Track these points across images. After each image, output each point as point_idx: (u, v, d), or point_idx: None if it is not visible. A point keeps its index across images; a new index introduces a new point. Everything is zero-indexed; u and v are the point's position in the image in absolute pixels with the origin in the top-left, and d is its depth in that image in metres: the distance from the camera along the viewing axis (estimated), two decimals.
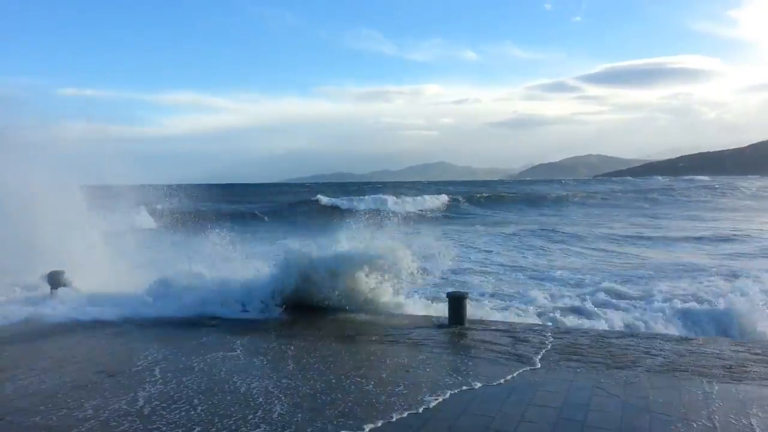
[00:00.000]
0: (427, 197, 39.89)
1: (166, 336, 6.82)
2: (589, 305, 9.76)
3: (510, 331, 7.00)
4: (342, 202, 36.64)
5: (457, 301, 7.19)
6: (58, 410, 4.46)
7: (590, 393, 4.80)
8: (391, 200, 38.16)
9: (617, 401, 4.61)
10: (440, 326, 7.22)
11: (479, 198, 43.72)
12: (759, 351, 6.20)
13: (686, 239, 20.73)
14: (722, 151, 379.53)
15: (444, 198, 40.45)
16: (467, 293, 7.51)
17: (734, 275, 12.57)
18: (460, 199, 41.33)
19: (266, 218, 31.19)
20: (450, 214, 33.99)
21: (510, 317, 8.78)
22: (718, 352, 6.11)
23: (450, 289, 8.58)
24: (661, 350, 6.19)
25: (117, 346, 6.50)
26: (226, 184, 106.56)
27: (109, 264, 10.70)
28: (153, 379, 5.18)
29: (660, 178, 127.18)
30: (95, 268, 10.13)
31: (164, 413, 4.35)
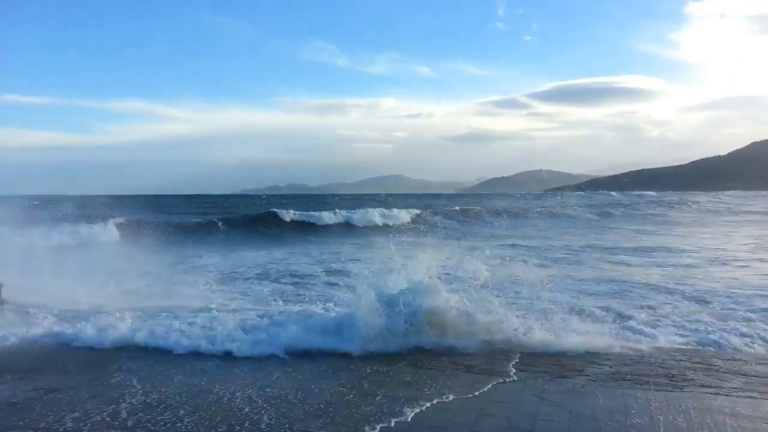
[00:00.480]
0: (397, 210, 38.01)
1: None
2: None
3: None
4: (327, 215, 33.68)
5: None
6: None
7: (538, 403, 4.87)
8: (377, 213, 35.69)
9: (563, 410, 4.70)
10: None
11: (448, 210, 42.37)
12: (699, 360, 6.43)
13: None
14: (665, 167, 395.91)
15: (415, 211, 38.88)
16: None
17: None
18: (433, 212, 39.88)
19: (228, 231, 28.40)
20: (423, 227, 33.19)
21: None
22: (660, 361, 6.31)
23: None
24: (607, 359, 6.36)
25: None
26: (182, 195, 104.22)
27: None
28: None
29: (614, 193, 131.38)
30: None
31: None
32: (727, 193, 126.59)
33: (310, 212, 33.65)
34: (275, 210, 33.14)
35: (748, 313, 9.41)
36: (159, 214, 40.98)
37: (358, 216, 33.84)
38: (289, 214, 31.89)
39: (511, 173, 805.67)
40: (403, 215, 36.48)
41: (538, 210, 45.50)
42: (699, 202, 63.54)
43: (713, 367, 6.12)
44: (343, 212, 34.16)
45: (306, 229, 30.77)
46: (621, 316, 9.06)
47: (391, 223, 33.79)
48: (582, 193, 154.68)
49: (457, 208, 45.12)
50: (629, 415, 4.58)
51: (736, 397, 5.09)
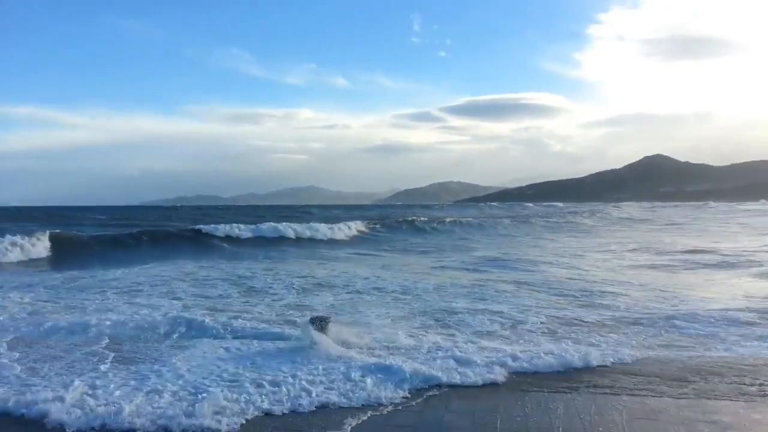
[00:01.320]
0: (346, 223, 35.06)
1: None
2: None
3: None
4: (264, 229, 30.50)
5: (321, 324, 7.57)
6: None
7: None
8: (323, 226, 32.73)
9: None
10: None
11: (391, 222, 40.74)
12: None
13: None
14: (566, 179, 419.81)
15: (359, 224, 35.98)
16: (330, 317, 7.82)
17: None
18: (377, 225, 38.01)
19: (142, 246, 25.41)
20: (368, 242, 31.47)
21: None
22: None
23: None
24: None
25: None
26: (83, 207, 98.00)
27: None
28: None
29: (531, 204, 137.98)
30: None
31: None
32: (626, 203, 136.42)
33: (256, 225, 30.80)
34: (201, 227, 29.81)
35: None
36: (93, 226, 38.49)
37: (301, 229, 31.42)
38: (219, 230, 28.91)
39: (424, 184, 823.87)
40: (352, 228, 34.26)
41: (473, 220, 46.52)
42: (609, 213, 68.84)
43: None
44: (283, 225, 31.59)
45: (244, 243, 27.90)
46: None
47: (339, 238, 31.89)
48: (497, 203, 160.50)
49: (400, 219, 43.49)
50: None
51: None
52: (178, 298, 12.07)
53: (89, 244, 25.38)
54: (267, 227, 31.12)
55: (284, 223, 32.55)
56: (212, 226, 29.86)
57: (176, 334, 8.48)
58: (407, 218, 44.21)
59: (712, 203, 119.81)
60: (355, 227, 34.87)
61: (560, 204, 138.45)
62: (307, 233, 31.28)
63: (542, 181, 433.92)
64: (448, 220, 44.97)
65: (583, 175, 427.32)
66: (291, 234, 30.72)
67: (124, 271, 16.64)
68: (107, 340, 8.07)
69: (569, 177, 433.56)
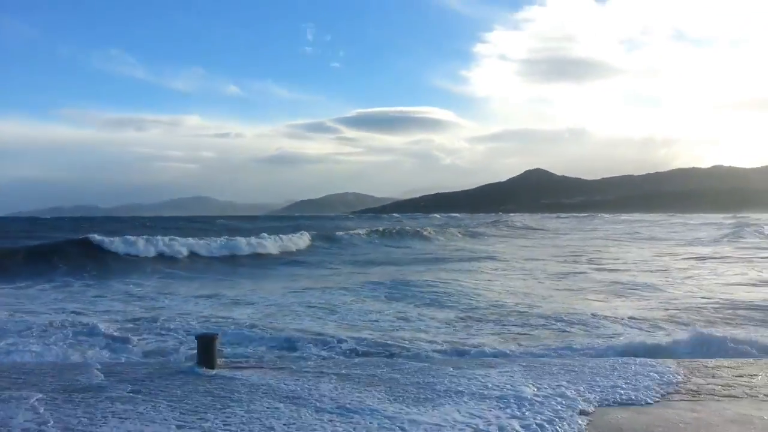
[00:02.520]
0: (291, 236, 33.74)
1: None
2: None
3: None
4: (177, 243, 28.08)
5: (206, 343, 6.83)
6: None
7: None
8: (270, 240, 31.29)
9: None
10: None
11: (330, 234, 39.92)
12: None
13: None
14: (456, 191, 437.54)
15: (306, 237, 34.90)
16: (217, 334, 7.24)
17: None
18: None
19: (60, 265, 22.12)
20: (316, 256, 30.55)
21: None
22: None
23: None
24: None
25: None
26: None
27: None
28: None
29: (438, 215, 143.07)
30: None
31: None
32: (512, 215, 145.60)
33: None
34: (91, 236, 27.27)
35: None
36: None
37: (247, 245, 29.72)
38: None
39: (320, 195, 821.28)
40: (299, 241, 33.47)
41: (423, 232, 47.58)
42: (512, 223, 74.08)
43: None
44: (221, 240, 30.03)
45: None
46: None
47: (293, 249, 31.44)
48: (398, 215, 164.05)
49: (341, 233, 41.76)
50: None
51: None
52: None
53: None
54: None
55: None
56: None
57: None
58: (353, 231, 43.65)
59: (601, 214, 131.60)
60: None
61: (458, 215, 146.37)
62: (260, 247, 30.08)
63: (434, 192, 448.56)
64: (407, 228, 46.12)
65: (471, 188, 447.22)
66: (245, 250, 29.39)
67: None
68: None
69: (459, 189, 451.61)
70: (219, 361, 6.94)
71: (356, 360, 8.11)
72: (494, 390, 5.80)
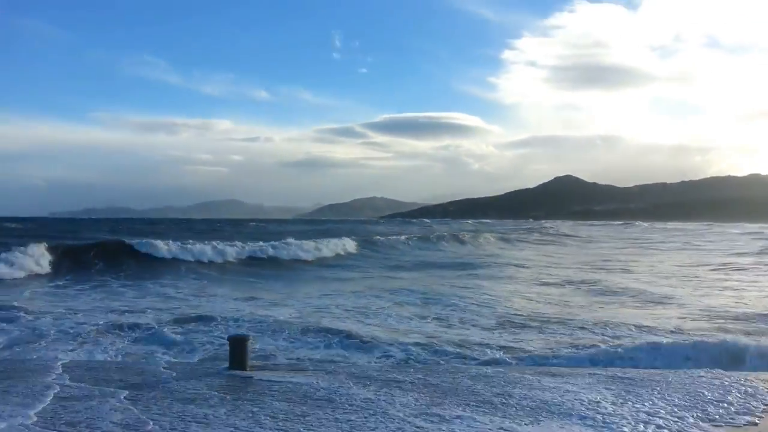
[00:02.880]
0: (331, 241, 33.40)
1: None
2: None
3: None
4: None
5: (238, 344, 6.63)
6: None
7: None
8: (312, 244, 30.99)
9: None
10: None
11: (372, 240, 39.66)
12: None
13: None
14: (484, 197, 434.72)
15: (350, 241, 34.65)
16: (249, 335, 7.16)
17: None
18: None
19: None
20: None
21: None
22: None
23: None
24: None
25: None
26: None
27: None
28: None
29: (470, 221, 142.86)
30: None
31: None
32: (543, 221, 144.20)
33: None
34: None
35: None
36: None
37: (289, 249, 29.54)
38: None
39: (348, 200, 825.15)
40: (346, 245, 33.27)
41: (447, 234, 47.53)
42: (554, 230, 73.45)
43: None
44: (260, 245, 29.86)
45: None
46: None
47: (341, 253, 31.47)
48: (428, 220, 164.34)
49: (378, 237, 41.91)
50: None
51: None
52: None
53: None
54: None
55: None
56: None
57: None
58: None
59: (639, 222, 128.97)
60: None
61: (489, 220, 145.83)
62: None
63: (462, 198, 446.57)
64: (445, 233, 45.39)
65: (500, 193, 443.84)
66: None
67: None
68: None
69: (487, 195, 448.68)
70: (250, 362, 6.66)
71: (409, 364, 7.89)
72: (589, 406, 5.29)
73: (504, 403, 5.36)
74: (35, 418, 4.19)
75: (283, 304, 14.50)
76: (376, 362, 8.53)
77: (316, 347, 9.65)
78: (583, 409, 5.22)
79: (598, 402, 5.47)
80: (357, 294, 16.94)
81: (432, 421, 4.67)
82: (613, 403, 5.41)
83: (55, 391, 5.02)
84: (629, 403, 5.46)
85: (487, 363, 8.36)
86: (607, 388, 5.98)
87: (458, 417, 4.82)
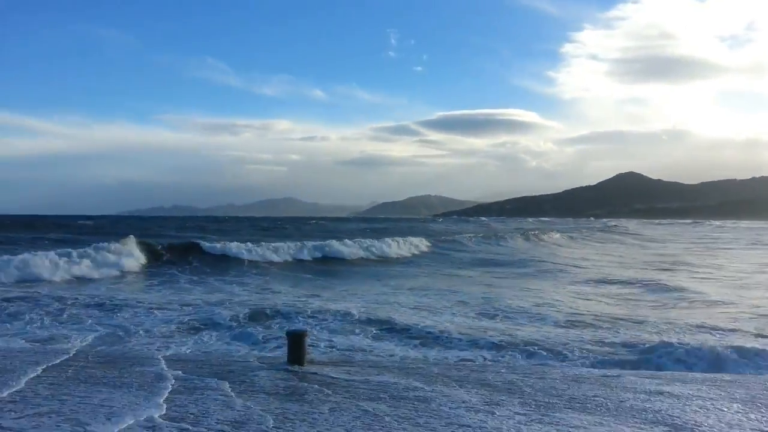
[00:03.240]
0: (412, 239, 33.16)
1: None
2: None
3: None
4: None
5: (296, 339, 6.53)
6: None
7: None
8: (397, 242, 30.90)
9: None
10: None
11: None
12: None
13: None
14: (542, 195, 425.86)
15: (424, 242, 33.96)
16: (306, 330, 7.12)
17: None
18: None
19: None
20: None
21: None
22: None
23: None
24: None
25: None
26: (59, 216, 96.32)
27: None
28: None
29: (530, 219, 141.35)
30: None
31: None
32: (603, 220, 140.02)
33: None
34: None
35: None
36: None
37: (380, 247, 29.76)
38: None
39: (403, 198, 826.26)
40: (417, 243, 32.68)
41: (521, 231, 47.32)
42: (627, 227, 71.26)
43: None
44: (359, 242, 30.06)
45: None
46: None
47: (416, 252, 31.19)
48: (485, 218, 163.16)
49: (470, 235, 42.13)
50: None
51: None
52: None
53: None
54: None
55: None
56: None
57: None
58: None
59: (710, 221, 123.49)
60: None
61: (547, 219, 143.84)
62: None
63: (520, 196, 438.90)
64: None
65: (558, 191, 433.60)
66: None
67: None
68: None
69: (545, 192, 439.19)
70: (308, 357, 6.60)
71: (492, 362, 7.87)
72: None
73: (634, 414, 4.76)
74: (163, 410, 4.35)
75: (351, 301, 14.69)
76: (457, 361, 8.55)
77: (386, 342, 9.77)
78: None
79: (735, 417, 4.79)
80: (425, 291, 16.99)
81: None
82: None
83: (171, 383, 5.25)
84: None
85: (574, 364, 8.25)
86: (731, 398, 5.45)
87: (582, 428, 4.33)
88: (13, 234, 36.11)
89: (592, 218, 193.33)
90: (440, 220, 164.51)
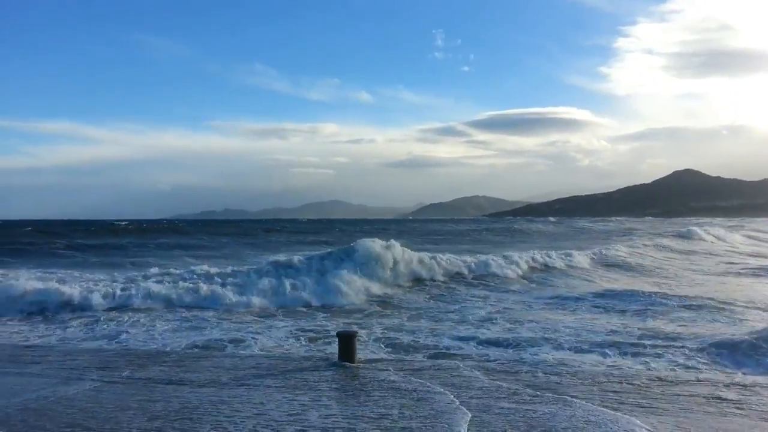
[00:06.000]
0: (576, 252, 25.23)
1: None
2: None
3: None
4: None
5: (346, 340, 6.90)
6: None
7: None
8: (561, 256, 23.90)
9: None
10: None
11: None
12: None
13: None
14: (594, 194, 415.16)
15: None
16: (356, 331, 7.54)
17: None
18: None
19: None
20: None
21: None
22: None
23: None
24: None
25: None
26: (104, 220, 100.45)
27: None
28: None
29: (583, 220, 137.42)
30: None
31: None
32: (693, 220, 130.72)
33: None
34: None
35: None
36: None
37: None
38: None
39: (449, 199, 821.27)
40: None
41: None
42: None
43: None
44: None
45: None
46: None
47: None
48: (554, 218, 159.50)
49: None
50: None
51: None
52: None
53: None
54: None
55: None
56: None
57: None
58: None
59: None
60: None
61: (588, 218, 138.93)
62: None
63: (571, 195, 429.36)
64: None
65: (612, 190, 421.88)
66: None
67: None
68: None
69: (598, 191, 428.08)
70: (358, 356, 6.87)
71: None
72: None
73: None
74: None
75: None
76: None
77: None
78: None
79: None
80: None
81: None
82: None
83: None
84: None
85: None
86: None
87: None
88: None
89: (649, 217, 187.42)
90: (491, 220, 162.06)
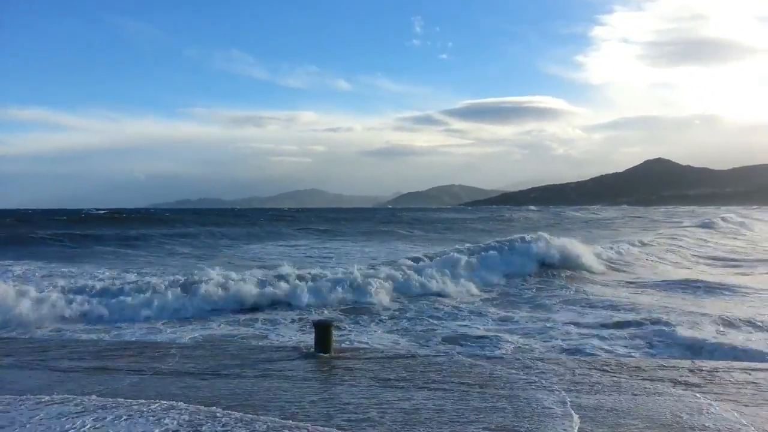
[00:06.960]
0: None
1: None
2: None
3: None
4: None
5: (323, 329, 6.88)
6: None
7: None
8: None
9: None
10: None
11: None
12: None
13: None
14: (568, 183, 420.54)
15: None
16: (333, 320, 7.41)
17: None
18: None
19: None
20: None
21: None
22: None
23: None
24: None
25: None
26: (132, 209, 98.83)
27: None
28: None
29: (569, 209, 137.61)
30: None
31: None
32: (661, 209, 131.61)
33: None
34: None
35: None
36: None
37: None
38: None
39: (426, 188, 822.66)
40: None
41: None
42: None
43: None
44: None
45: None
46: None
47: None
48: (535, 207, 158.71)
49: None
50: None
51: None
52: None
53: None
54: None
55: None
56: None
57: None
58: None
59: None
60: None
61: (568, 206, 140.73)
62: None
63: (546, 184, 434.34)
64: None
65: (585, 179, 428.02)
66: None
67: None
68: None
69: (572, 180, 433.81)
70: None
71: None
72: None
73: None
74: None
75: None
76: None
77: None
78: None
79: None
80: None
81: None
82: None
83: None
84: None
85: None
86: None
87: None
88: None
89: (624, 205, 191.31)
90: (470, 208, 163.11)
